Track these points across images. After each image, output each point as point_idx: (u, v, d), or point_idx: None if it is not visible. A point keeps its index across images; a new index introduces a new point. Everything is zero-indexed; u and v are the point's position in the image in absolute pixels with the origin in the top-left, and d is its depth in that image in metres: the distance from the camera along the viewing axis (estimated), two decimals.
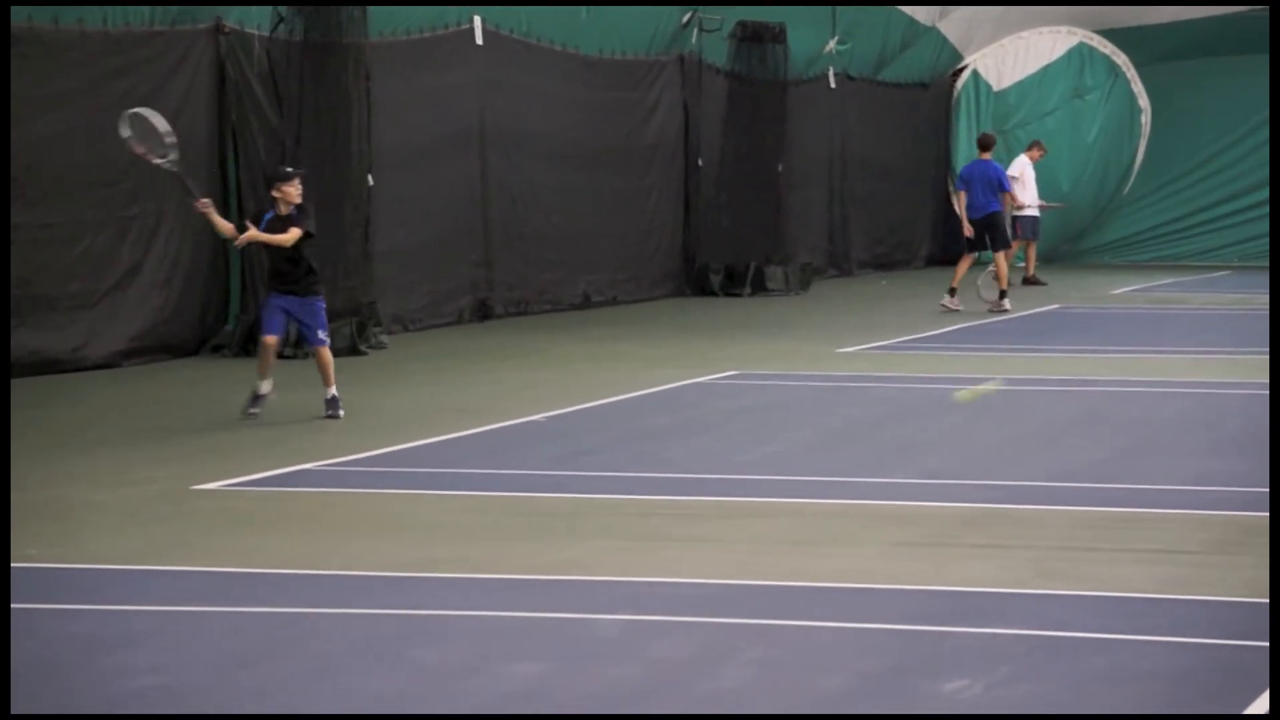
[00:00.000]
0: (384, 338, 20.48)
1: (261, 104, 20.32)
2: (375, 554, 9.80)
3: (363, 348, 19.92)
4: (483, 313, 23.99)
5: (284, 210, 14.87)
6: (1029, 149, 31.30)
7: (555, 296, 25.55)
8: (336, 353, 19.48)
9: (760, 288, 28.72)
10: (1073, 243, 36.63)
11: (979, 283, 26.43)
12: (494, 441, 13.96)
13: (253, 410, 14.78)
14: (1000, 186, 25.53)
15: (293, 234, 14.76)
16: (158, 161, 14.65)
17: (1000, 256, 25.77)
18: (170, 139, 14.59)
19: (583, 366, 18.99)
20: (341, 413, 14.90)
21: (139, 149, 14.68)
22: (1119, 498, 11.45)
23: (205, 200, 14.73)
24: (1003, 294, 25.53)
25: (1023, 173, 30.39)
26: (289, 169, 15.43)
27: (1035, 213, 30.71)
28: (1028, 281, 30.35)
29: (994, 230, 25.55)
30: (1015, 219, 30.20)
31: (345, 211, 20.19)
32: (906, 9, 33.04)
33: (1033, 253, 31.01)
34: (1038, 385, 17.34)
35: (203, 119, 19.90)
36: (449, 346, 21.03)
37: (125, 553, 9.86)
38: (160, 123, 14.64)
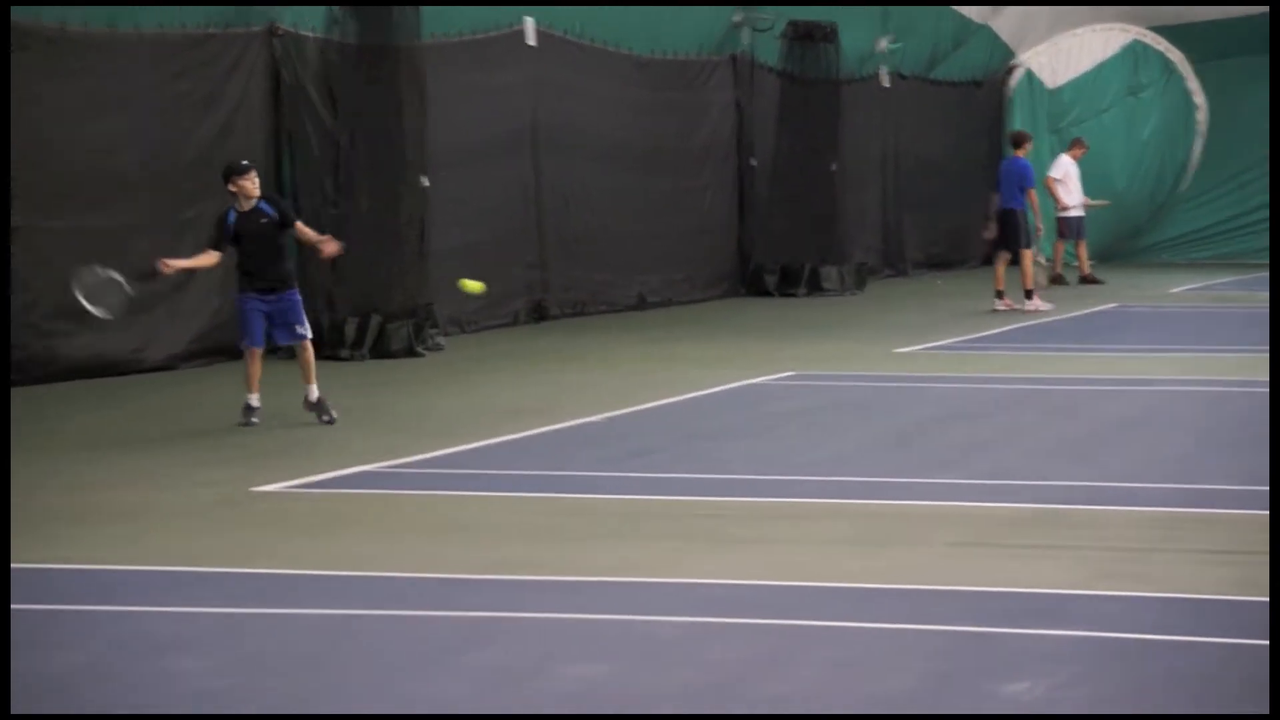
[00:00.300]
0: (440, 339, 20.53)
1: (316, 106, 20.39)
2: (434, 556, 9.82)
3: (420, 349, 19.97)
4: (538, 314, 24.03)
5: (245, 205, 14.61)
6: (1070, 147, 31.03)
7: (610, 297, 25.57)
8: (394, 354, 19.65)
9: (815, 288, 28.69)
10: (1130, 240, 36.47)
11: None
12: (551, 443, 13.97)
13: (254, 421, 14.57)
14: (1023, 185, 25.37)
15: (209, 257, 14.74)
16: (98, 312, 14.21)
17: (1025, 254, 25.47)
18: (116, 280, 14.18)
19: (639, 367, 18.99)
20: (334, 415, 14.66)
21: (99, 311, 14.25)
22: (1178, 498, 11.39)
23: (165, 263, 14.70)
24: (1029, 294, 25.37)
25: (1066, 173, 30.17)
26: (244, 162, 14.99)
27: (1080, 212, 30.45)
28: (1085, 280, 30.21)
29: (1005, 229, 25.42)
30: (1061, 219, 30.12)
31: (400, 213, 20.26)
32: (959, 7, 32.95)
33: (1083, 251, 30.80)
34: (1096, 385, 17.27)
35: (257, 121, 19.99)
36: (505, 348, 21.06)
37: (187, 555, 9.90)
38: (101, 275, 14.22)
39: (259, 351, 14.76)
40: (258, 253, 14.64)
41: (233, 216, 14.64)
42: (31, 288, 17.38)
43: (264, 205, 14.69)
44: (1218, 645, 7.88)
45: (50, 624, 8.40)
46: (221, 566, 9.62)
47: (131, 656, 7.82)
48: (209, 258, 14.80)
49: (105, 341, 18.04)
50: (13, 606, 8.63)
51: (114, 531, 10.58)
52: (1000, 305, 25.20)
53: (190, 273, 15.79)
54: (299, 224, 14.92)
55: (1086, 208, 30.73)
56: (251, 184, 14.64)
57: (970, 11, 33.40)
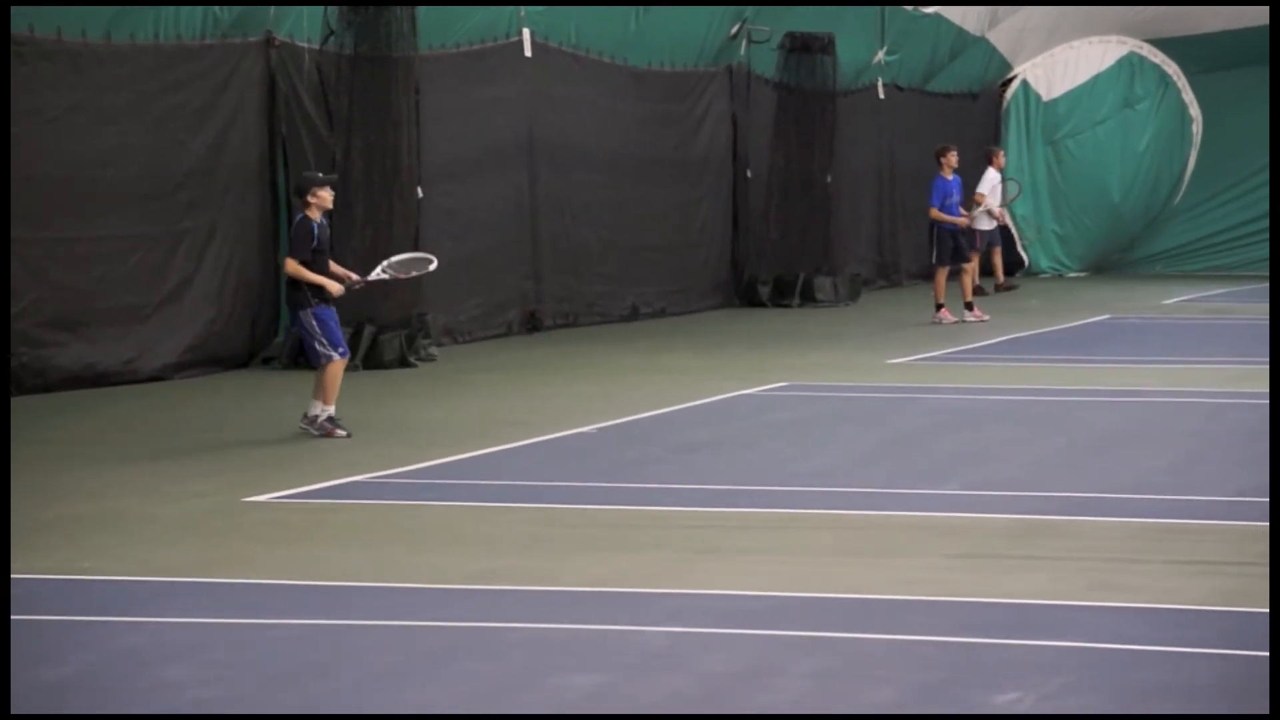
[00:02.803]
0: (433, 350, 20.53)
1: (311, 117, 20.41)
2: (424, 566, 9.82)
3: (412, 360, 19.98)
4: (532, 325, 24.04)
5: (317, 216, 14.60)
6: (993, 159, 30.96)
7: (604, 308, 25.58)
8: (386, 365, 19.66)
9: (809, 299, 28.72)
10: (1124, 252, 36.51)
11: None
12: (543, 453, 13.97)
13: (340, 432, 14.53)
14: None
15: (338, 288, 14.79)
16: (374, 278, 14.99)
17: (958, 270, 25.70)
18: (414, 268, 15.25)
19: (632, 378, 19.00)
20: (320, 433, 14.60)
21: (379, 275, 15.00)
22: (1171, 509, 11.40)
23: (355, 280, 14.83)
24: (968, 305, 25.61)
25: (992, 187, 30.15)
26: (321, 174, 15.08)
27: (986, 225, 30.14)
28: (1000, 288, 30.49)
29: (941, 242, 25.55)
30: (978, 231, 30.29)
31: (394, 224, 20.26)
32: (955, 19, 32.98)
33: (994, 261, 31.02)
34: (1088, 396, 17.28)
35: (253, 132, 20.01)
36: (498, 359, 21.07)
37: (179, 565, 9.90)
38: (426, 267, 15.27)
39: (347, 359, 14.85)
40: (325, 265, 14.68)
41: (316, 227, 14.59)
42: (25, 298, 17.37)
43: (325, 218, 14.74)
44: (1209, 656, 7.89)
45: (41, 635, 8.39)
46: (213, 577, 9.62)
47: (123, 667, 7.82)
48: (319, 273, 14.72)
49: (98, 352, 18.05)
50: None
51: (105, 541, 10.58)
52: (970, 316, 25.30)
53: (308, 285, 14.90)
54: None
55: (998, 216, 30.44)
56: (328, 196, 14.68)
57: (968, 23, 33.43)
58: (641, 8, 25.79)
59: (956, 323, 25.07)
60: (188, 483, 12.53)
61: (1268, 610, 8.51)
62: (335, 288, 14.57)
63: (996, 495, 11.98)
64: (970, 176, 31.12)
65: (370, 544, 10.54)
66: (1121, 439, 14.67)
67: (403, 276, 15.45)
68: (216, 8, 19.37)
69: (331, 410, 14.59)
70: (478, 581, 9.41)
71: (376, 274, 15.00)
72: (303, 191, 14.70)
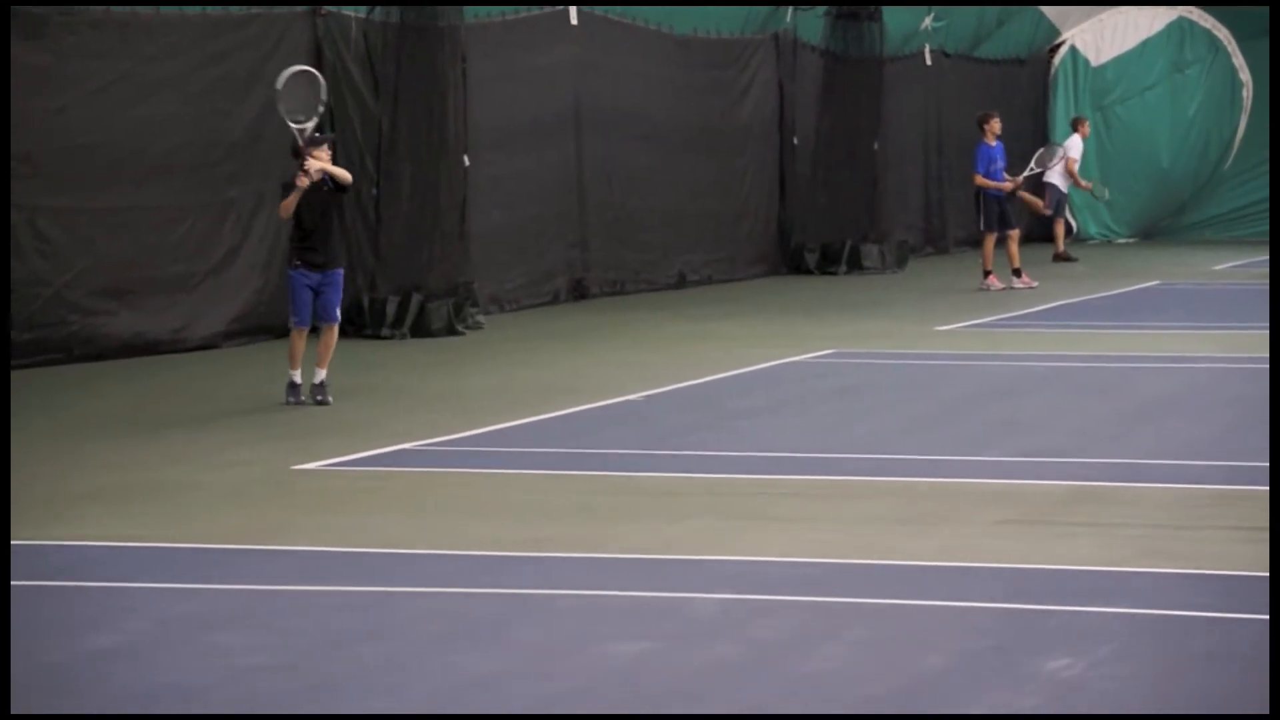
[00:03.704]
0: (481, 318, 20.55)
1: (358, 86, 20.43)
2: (475, 534, 9.84)
3: (460, 328, 20.00)
4: (578, 293, 24.04)
5: (316, 177, 14.40)
6: (1080, 126, 31.74)
7: (650, 276, 25.56)
8: (434, 333, 19.68)
9: (856, 266, 28.65)
10: (1174, 218, 36.31)
11: None
12: (591, 421, 13.98)
13: (298, 400, 14.48)
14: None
15: (345, 174, 14.55)
16: (296, 126, 14.29)
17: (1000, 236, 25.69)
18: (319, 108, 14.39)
19: (679, 346, 18.98)
20: (331, 399, 14.54)
21: (287, 109, 14.32)
22: (1221, 475, 11.35)
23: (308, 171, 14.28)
24: (1016, 272, 25.58)
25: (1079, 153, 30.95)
26: (318, 133, 14.81)
27: (1059, 181, 31.16)
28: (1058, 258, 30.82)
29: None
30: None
31: (441, 193, 20.28)
32: None
33: (1056, 230, 31.55)
34: (1139, 362, 17.21)
35: None
36: (545, 327, 21.08)
37: (228, 532, 9.94)
38: (321, 91, 14.44)
39: (306, 330, 14.70)
40: (316, 226, 14.53)
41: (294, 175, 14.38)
42: (75, 267, 17.44)
43: (325, 177, 14.55)
44: (1258, 622, 7.85)
45: (90, 602, 8.44)
46: (262, 544, 9.66)
47: (173, 633, 7.86)
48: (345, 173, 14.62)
49: (147, 320, 18.11)
50: (50, 584, 8.71)
51: (154, 510, 10.62)
52: (1019, 283, 25.26)
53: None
54: (342, 171, 14.71)
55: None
56: (326, 156, 14.53)
57: None
58: None
59: (1004, 289, 24.98)
60: (237, 450, 12.58)
61: None
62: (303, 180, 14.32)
63: (1045, 462, 11.94)
64: (1014, 143, 31.07)
65: (419, 512, 10.57)
66: (1171, 405, 14.61)
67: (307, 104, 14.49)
68: None
69: (293, 376, 14.50)
70: (527, 549, 9.42)
71: (300, 127, 14.33)
72: (299, 151, 14.46)
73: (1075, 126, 31.88)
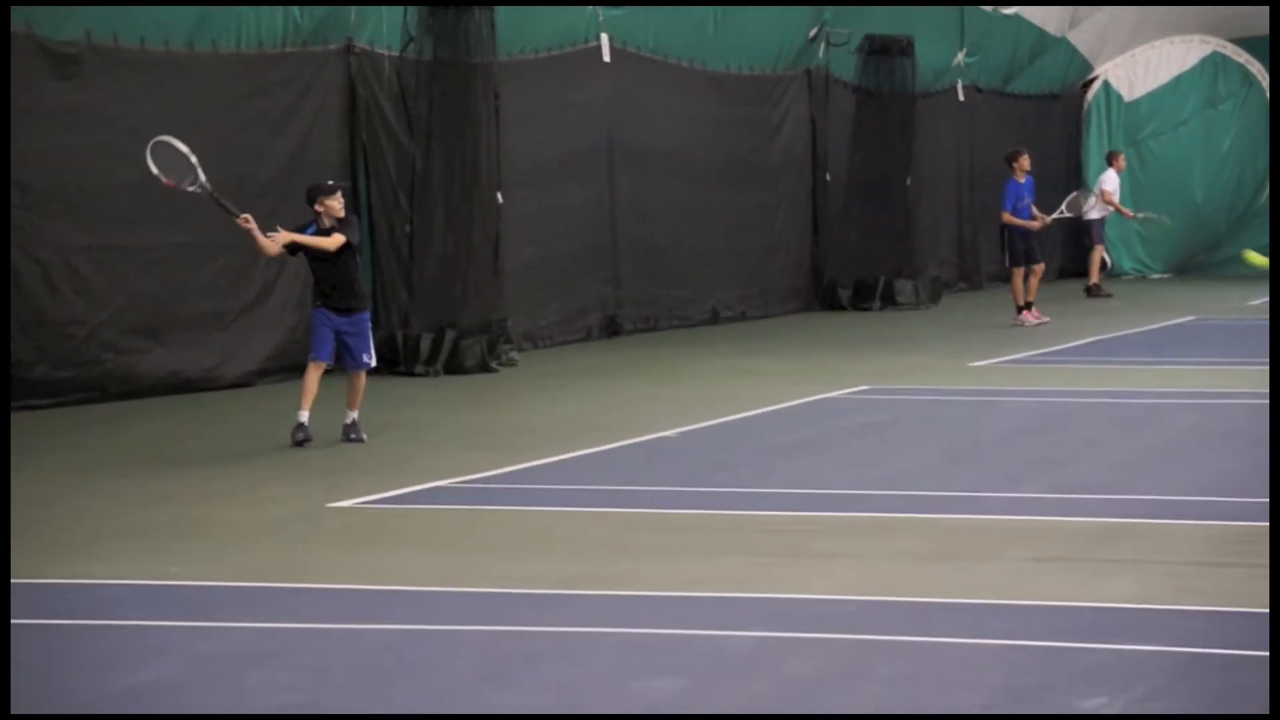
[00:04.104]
0: (514, 355, 20.57)
1: (391, 123, 20.50)
2: (509, 571, 9.83)
3: (494, 365, 20.01)
4: (611, 329, 24.05)
5: (326, 223, 14.57)
6: (1114, 161, 31.80)
7: (684, 313, 25.58)
8: (467, 370, 19.70)
9: (889, 302, 28.63)
10: (1208, 253, 36.21)
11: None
12: (625, 458, 13.97)
13: (306, 439, 14.32)
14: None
15: (335, 239, 14.47)
16: (190, 189, 14.20)
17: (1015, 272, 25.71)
18: (194, 161, 14.14)
19: (712, 382, 18.97)
20: (365, 436, 14.58)
21: (169, 181, 14.21)
22: (1257, 512, 11.28)
23: (246, 216, 14.30)
24: (1025, 307, 25.52)
25: (1115, 187, 31.05)
26: (330, 182, 15.03)
27: (1097, 214, 31.16)
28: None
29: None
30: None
31: (474, 229, 20.32)
32: (1036, 20, 32.81)
33: (1092, 259, 31.52)
34: (1173, 398, 17.15)
35: (333, 139, 20.10)
36: (579, 363, 21.09)
37: (263, 570, 9.95)
38: (182, 147, 14.20)
39: (324, 366, 14.69)
40: (331, 273, 14.64)
41: (310, 230, 14.66)
42: (109, 305, 17.51)
43: (338, 224, 14.65)
44: None
45: (124, 640, 8.45)
46: (297, 582, 9.66)
47: (206, 672, 7.86)
48: (274, 244, 14.52)
49: (181, 358, 18.17)
50: (87, 623, 8.71)
51: (190, 547, 10.64)
52: (1030, 318, 25.26)
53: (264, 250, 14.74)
54: (335, 234, 14.64)
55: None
56: (337, 204, 14.65)
57: (1048, 23, 33.25)
58: (720, 9, 25.78)
59: (1040, 324, 24.94)
60: (270, 488, 12.60)
61: None
62: (268, 248, 14.49)
63: (1081, 499, 11.90)
64: (1047, 179, 31.09)
65: (453, 549, 10.56)
66: (1206, 441, 14.55)
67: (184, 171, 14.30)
68: (296, 11, 19.44)
69: (301, 416, 14.41)
70: (560, 586, 9.41)
71: (195, 188, 14.24)
72: (312, 200, 14.69)
73: (1110, 161, 31.91)
